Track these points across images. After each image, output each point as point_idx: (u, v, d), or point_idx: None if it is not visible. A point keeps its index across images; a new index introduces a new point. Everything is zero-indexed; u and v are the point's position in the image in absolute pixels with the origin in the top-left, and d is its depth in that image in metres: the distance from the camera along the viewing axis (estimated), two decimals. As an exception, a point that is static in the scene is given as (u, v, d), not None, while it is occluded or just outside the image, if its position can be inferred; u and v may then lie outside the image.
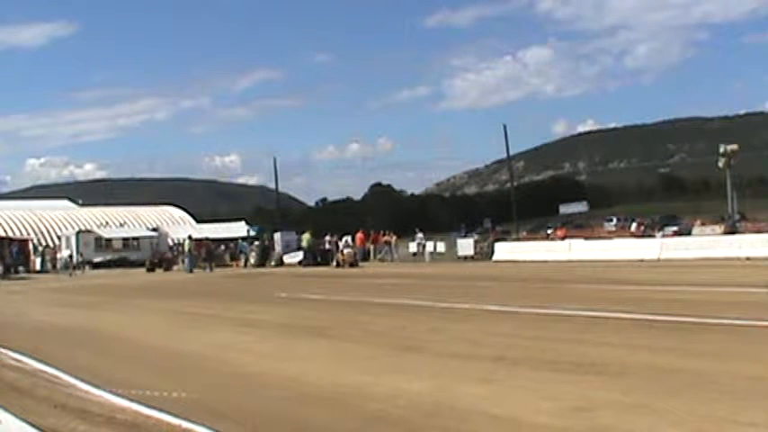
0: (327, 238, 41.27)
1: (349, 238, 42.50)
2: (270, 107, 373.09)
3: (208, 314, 15.13)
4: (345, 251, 36.15)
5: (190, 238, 40.11)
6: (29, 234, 52.55)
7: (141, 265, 41.50)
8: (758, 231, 32.74)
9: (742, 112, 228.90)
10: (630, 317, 10.57)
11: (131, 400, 6.41)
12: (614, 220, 65.33)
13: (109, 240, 49.55)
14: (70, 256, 43.18)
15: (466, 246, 37.62)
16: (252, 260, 40.11)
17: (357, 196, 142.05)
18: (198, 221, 60.95)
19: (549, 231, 55.74)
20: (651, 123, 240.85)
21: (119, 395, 6.69)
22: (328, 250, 37.92)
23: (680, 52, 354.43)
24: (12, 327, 14.16)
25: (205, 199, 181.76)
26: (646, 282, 17.49)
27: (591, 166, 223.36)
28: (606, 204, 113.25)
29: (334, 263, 35.00)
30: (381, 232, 42.68)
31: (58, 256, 46.64)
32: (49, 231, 54.68)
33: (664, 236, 38.64)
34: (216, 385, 7.33)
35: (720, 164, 41.78)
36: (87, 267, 42.16)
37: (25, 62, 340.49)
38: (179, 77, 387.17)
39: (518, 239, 44.93)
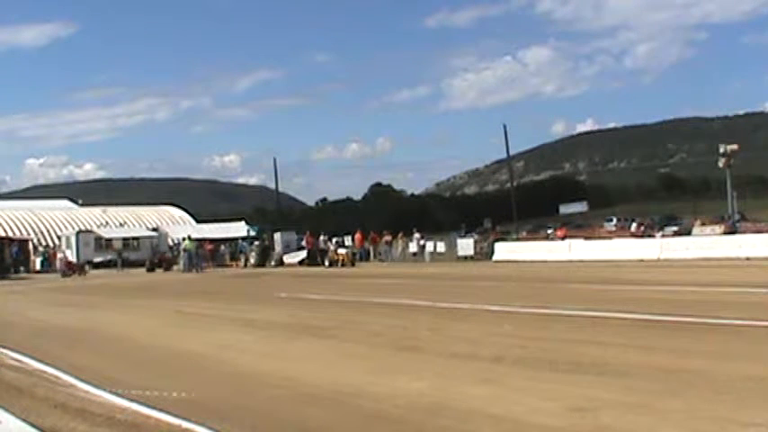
0: (322, 238, 41.43)
1: (347, 238, 42.58)
2: (270, 107, 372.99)
3: (208, 314, 15.13)
4: (339, 251, 36.25)
5: (189, 238, 40.13)
6: (29, 234, 52.54)
7: (141, 265, 41.49)
8: (758, 231, 32.74)
9: (742, 112, 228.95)
10: (630, 317, 10.57)
11: (131, 400, 6.41)
12: (614, 220, 65.28)
13: (109, 240, 49.55)
14: (119, 254, 44.38)
15: (466, 246, 37.60)
16: (252, 260, 40.13)
17: (357, 196, 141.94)
18: (198, 221, 60.91)
19: (549, 231, 55.72)
20: (651, 123, 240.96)
21: (119, 395, 6.70)
22: (325, 250, 37.99)
23: (680, 52, 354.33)
24: (12, 326, 14.16)
25: (205, 199, 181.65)
26: (646, 282, 17.49)
27: (591, 166, 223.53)
28: (606, 204, 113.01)
29: (327, 262, 35.19)
30: (380, 232, 42.71)
31: (59, 256, 46.65)
32: (49, 231, 54.69)
33: (664, 236, 38.61)
34: (216, 385, 7.33)
35: (720, 164, 41.76)
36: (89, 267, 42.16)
37: (25, 62, 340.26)
38: (179, 77, 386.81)
39: (518, 239, 44.93)
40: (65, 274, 37.75)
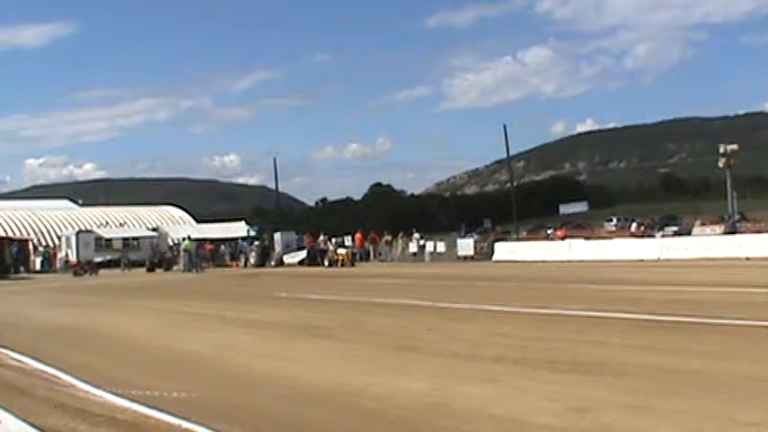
0: (322, 238, 41.46)
1: (347, 238, 42.59)
2: (270, 107, 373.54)
3: (208, 314, 15.12)
4: (339, 251, 36.26)
5: (189, 238, 40.13)
6: (29, 234, 52.54)
7: (141, 265, 41.50)
8: (758, 231, 32.75)
9: (742, 112, 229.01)
10: (630, 317, 10.57)
11: (131, 400, 6.42)
12: (614, 220, 65.39)
13: (109, 240, 49.54)
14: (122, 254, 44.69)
15: (466, 246, 37.60)
16: (252, 260, 40.15)
17: (357, 196, 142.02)
18: (198, 221, 60.95)
19: (549, 231, 55.72)
20: (651, 123, 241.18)
21: (119, 395, 6.70)
22: (325, 250, 38.00)
23: (680, 52, 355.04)
24: (12, 326, 14.16)
25: (205, 199, 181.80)
26: (646, 282, 17.48)
27: (591, 166, 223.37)
28: (606, 204, 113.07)
29: (327, 262, 35.24)
30: (380, 232, 42.72)
31: (59, 255, 46.69)
32: (49, 231, 54.69)
33: (664, 236, 38.61)
34: (216, 385, 7.33)
35: (720, 164, 41.73)
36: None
37: (25, 62, 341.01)
38: (179, 77, 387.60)
39: (518, 239, 44.92)
40: (76, 274, 38.14)
